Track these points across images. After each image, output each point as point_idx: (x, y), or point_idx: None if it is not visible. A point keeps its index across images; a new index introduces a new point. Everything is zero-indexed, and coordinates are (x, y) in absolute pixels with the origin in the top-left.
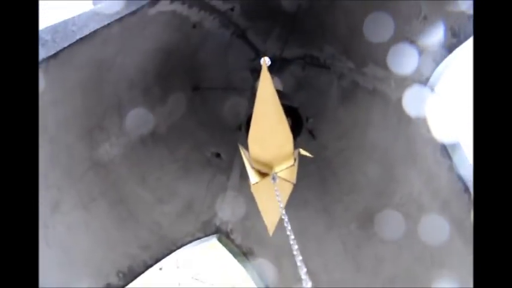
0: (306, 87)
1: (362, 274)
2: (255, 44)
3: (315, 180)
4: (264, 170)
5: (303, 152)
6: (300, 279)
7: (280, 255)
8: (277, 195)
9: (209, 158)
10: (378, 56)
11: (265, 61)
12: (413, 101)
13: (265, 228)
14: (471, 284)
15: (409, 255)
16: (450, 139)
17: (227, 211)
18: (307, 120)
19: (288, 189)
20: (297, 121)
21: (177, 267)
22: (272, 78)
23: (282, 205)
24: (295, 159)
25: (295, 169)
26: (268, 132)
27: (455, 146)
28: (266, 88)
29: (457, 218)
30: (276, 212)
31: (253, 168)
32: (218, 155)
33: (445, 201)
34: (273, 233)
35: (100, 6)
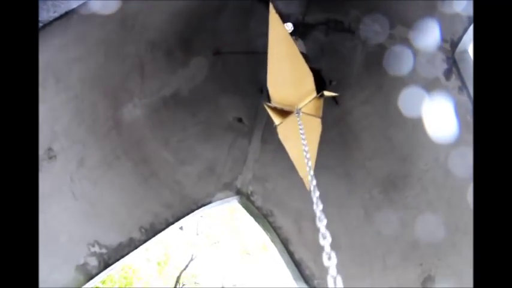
0: (329, 54)
1: (382, 238)
2: (277, 8)
3: (337, 146)
4: (287, 108)
5: (328, 94)
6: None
7: (300, 219)
8: (301, 129)
9: (231, 122)
10: (407, 17)
11: (272, 7)
12: (441, 64)
13: (285, 191)
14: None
15: (431, 221)
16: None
17: (248, 174)
18: (330, 83)
19: (316, 126)
20: (320, 84)
21: (197, 234)
22: (295, 40)
23: (305, 142)
24: (320, 94)
25: (320, 105)
26: (286, 70)
27: None
28: (277, 29)
29: None
30: (311, 154)
31: (275, 109)
32: (240, 120)
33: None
34: (294, 197)
35: None
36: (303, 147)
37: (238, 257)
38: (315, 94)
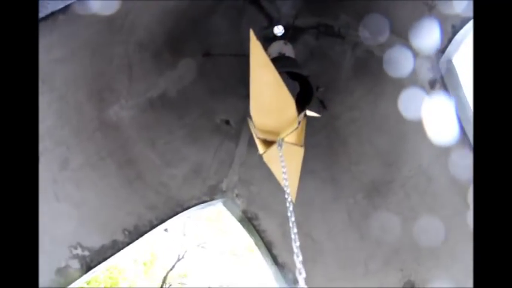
0: (319, 57)
1: (366, 243)
2: (269, 11)
3: (323, 150)
4: (270, 138)
5: (310, 113)
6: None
7: (284, 222)
8: (282, 162)
9: (218, 125)
10: (395, 24)
11: (253, 33)
12: (427, 73)
13: (270, 194)
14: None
15: (414, 227)
16: (466, 110)
17: (234, 177)
18: (317, 89)
19: (299, 154)
20: (307, 90)
21: (184, 234)
22: (285, 44)
23: (285, 172)
24: (299, 122)
25: (302, 131)
26: (269, 99)
27: (470, 118)
28: (258, 56)
29: (466, 192)
30: (294, 178)
31: (259, 138)
32: (227, 122)
33: (455, 174)
34: (278, 200)
35: None
36: (284, 181)
37: (225, 257)
38: (296, 124)
